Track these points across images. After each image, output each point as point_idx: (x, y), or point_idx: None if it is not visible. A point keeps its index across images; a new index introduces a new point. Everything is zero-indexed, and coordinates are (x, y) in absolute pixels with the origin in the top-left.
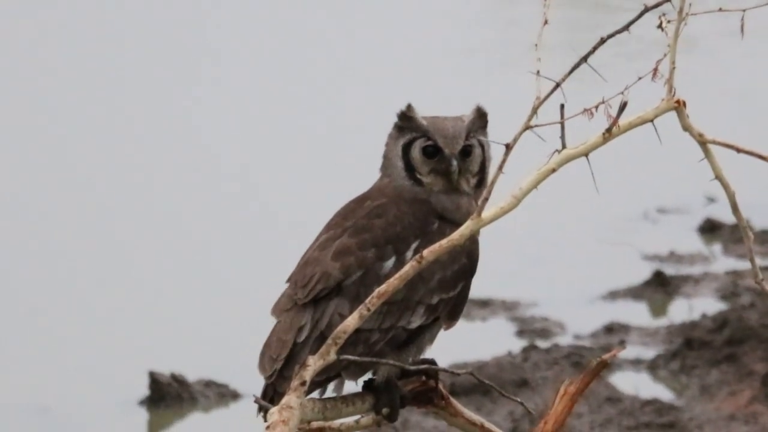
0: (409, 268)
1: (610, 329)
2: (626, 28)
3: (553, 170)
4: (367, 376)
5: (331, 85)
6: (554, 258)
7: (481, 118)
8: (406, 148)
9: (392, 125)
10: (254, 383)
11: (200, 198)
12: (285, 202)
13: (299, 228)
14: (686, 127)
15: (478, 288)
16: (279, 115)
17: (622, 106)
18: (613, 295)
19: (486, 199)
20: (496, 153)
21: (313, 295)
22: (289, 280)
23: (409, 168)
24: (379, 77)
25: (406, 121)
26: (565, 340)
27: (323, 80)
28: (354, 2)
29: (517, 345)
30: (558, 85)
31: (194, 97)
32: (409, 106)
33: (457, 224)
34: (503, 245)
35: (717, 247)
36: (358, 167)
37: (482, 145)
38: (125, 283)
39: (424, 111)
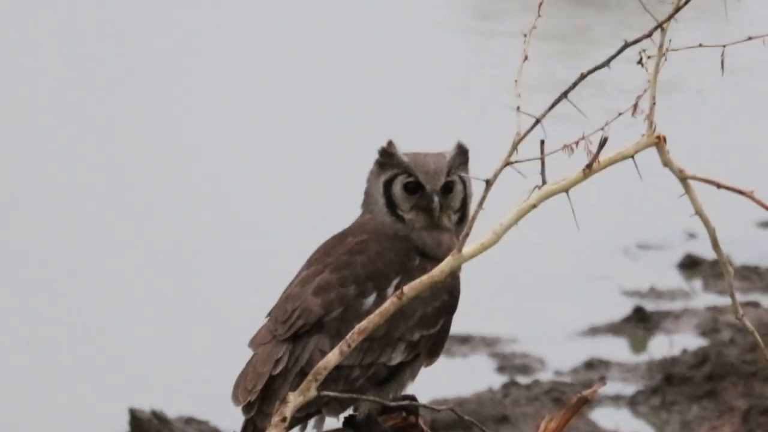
0: (389, 304)
1: (590, 365)
2: (607, 63)
3: (534, 206)
4: (348, 412)
5: (317, 105)
6: (534, 293)
7: (462, 154)
8: (388, 185)
9: (373, 162)
10: (235, 420)
11: (184, 225)
12: (272, 229)
13: (287, 261)
14: (666, 163)
15: (458, 324)
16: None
17: (602, 142)
18: (594, 331)
19: (467, 235)
20: (477, 189)
21: (294, 330)
22: (269, 315)
23: (391, 204)
24: (359, 111)
25: (387, 157)
26: (545, 376)
27: (311, 98)
28: (332, 31)
29: (497, 381)
30: (538, 121)
31: (187, 100)
32: (390, 143)
33: (439, 260)
34: (484, 281)
35: (697, 283)
36: (346, 191)
37: (464, 182)
38: (104, 319)
39: (405, 147)
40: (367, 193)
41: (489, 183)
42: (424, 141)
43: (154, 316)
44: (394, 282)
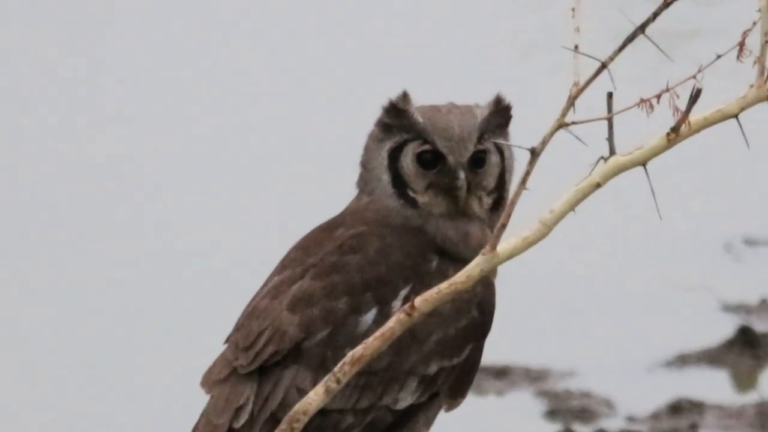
0: (395, 323)
1: (677, 408)
2: None
3: (598, 185)
4: None
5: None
6: (599, 309)
7: (500, 112)
8: (395, 155)
9: (375, 122)
10: None
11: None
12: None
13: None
14: None
15: (492, 351)
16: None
17: (694, 96)
18: (682, 361)
19: (504, 226)
20: (519, 162)
21: (261, 360)
22: (228, 340)
23: (399, 182)
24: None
25: (395, 116)
26: (614, 423)
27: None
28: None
29: (547, 430)
30: (604, 66)
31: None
32: (403, 96)
33: (465, 261)
34: (528, 292)
35: None
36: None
37: (501, 151)
38: (45, 371)
39: (420, 100)
40: (365, 167)
41: (536, 153)
42: (448, 93)
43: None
44: (403, 292)
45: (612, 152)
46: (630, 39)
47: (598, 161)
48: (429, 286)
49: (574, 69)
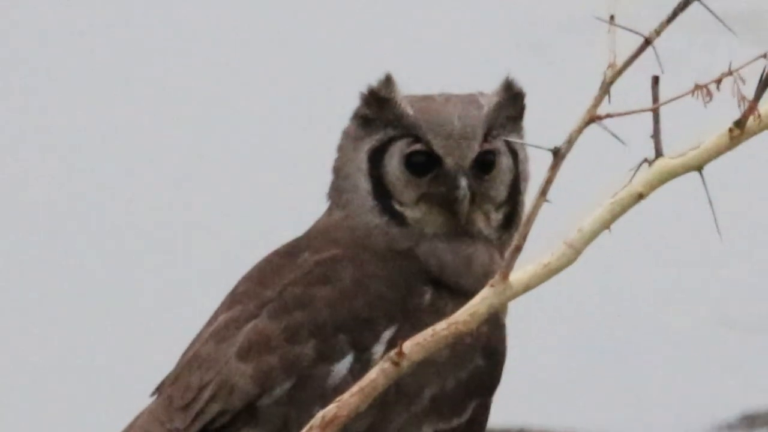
0: (378, 374)
1: None
2: None
3: (640, 196)
4: None
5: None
6: (638, 356)
7: (512, 101)
8: (377, 157)
9: (352, 115)
10: None
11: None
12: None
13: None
14: None
15: (502, 411)
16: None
17: (766, 80)
18: (749, 424)
19: (518, 250)
20: (538, 165)
21: (203, 422)
22: (158, 391)
23: (382, 192)
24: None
25: (376, 107)
26: None
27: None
28: None
29: None
30: (648, 42)
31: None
32: (386, 81)
33: (466, 294)
34: (548, 333)
35: None
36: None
37: (514, 152)
38: None
39: (409, 88)
40: (338, 173)
41: (560, 154)
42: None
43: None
44: (386, 334)
45: (658, 153)
46: (683, 6)
47: (640, 165)
48: (420, 327)
49: (609, 46)
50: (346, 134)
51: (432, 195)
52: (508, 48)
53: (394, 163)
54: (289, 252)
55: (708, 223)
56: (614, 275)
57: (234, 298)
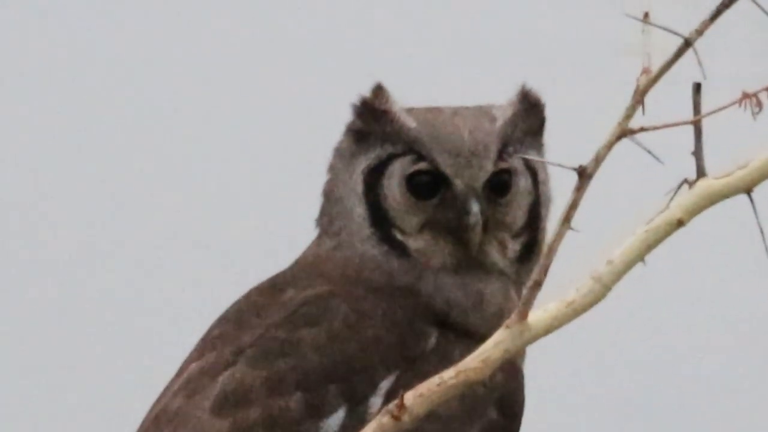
0: (376, 430)
1: None
2: None
3: (680, 223)
4: None
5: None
6: (682, 408)
7: (529, 112)
8: (374, 178)
9: (344, 130)
10: None
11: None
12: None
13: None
14: None
15: None
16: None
17: None
18: None
19: (538, 285)
20: (561, 187)
21: None
22: None
23: (380, 219)
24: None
25: (371, 119)
26: None
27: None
28: None
29: None
30: (689, 44)
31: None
32: (378, 89)
33: (478, 337)
34: (573, 383)
35: None
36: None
37: (533, 172)
38: None
39: (411, 99)
40: (329, 197)
41: (586, 174)
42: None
43: None
44: (385, 384)
45: (701, 173)
46: (728, 3)
47: (679, 186)
48: (424, 375)
49: (643, 48)
50: (338, 152)
51: (438, 221)
52: (528, 57)
53: (393, 185)
54: (272, 288)
55: (759, 253)
56: (648, 314)
57: (207, 344)
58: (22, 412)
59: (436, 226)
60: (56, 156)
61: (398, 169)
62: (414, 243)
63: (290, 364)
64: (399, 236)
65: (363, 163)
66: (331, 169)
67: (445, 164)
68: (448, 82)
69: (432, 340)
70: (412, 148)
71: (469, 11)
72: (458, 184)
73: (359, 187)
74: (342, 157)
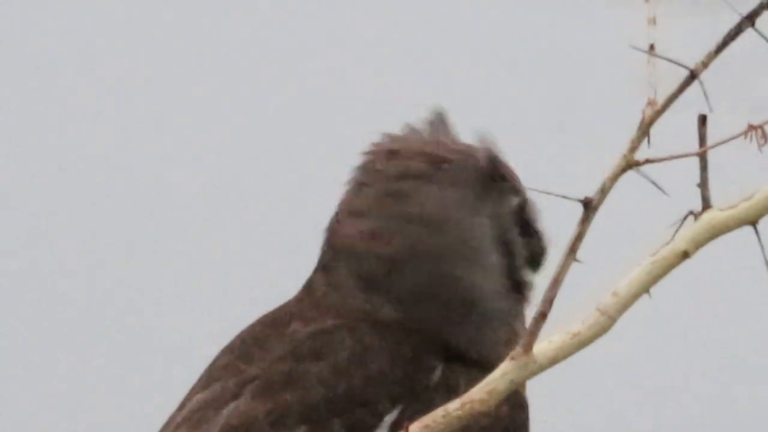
0: None
1: None
2: None
3: (686, 255)
4: None
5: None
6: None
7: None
8: (504, 225)
9: (455, 181)
10: None
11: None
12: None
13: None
14: None
15: None
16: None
17: None
18: None
19: (543, 317)
20: (566, 218)
21: None
22: None
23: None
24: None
25: (495, 170)
26: None
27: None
28: None
29: None
30: (694, 76)
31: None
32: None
33: (484, 367)
34: (582, 413)
35: None
36: None
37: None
38: None
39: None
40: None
41: (591, 205)
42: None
43: None
44: (389, 418)
45: (706, 205)
46: (733, 36)
47: (685, 218)
48: (430, 408)
49: (648, 80)
50: (456, 202)
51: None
52: (534, 84)
53: (513, 228)
54: (276, 321)
55: (763, 285)
56: (654, 346)
57: (212, 375)
58: (21, 412)
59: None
60: (57, 159)
61: (510, 210)
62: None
63: (294, 398)
64: (522, 278)
65: (489, 208)
66: (466, 223)
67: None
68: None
69: (437, 373)
70: (515, 189)
71: (475, 25)
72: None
73: (494, 235)
74: (463, 206)
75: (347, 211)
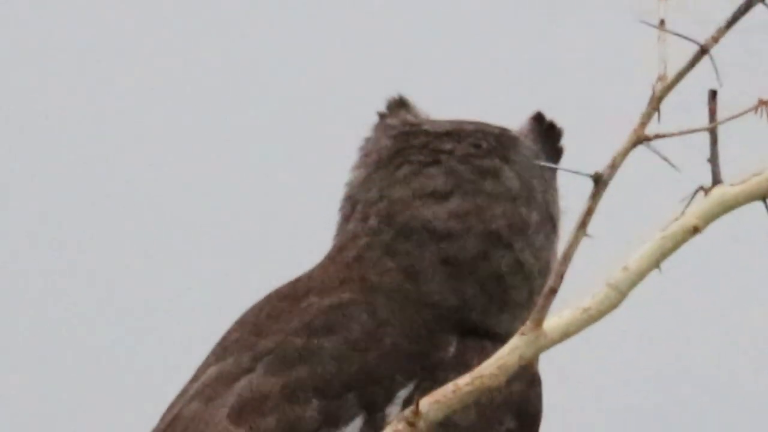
0: None
1: None
2: None
3: (696, 230)
4: None
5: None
6: (710, 423)
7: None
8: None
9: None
10: None
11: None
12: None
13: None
14: None
15: None
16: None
17: None
18: None
19: (553, 292)
20: (577, 193)
21: None
22: None
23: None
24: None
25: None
26: None
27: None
28: None
29: None
30: (705, 51)
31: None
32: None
33: (500, 339)
34: (595, 388)
35: None
36: None
37: None
38: None
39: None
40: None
41: (602, 181)
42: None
43: None
44: (402, 393)
45: (716, 180)
46: (743, 10)
47: (695, 193)
48: (443, 384)
49: (659, 55)
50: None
51: None
52: (545, 64)
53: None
54: (292, 294)
55: None
56: (667, 321)
57: (225, 348)
58: (22, 413)
59: None
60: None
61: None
62: None
63: (308, 373)
64: None
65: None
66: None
67: None
68: (460, 96)
69: (451, 349)
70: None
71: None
72: None
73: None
74: (547, 184)
75: (420, 192)
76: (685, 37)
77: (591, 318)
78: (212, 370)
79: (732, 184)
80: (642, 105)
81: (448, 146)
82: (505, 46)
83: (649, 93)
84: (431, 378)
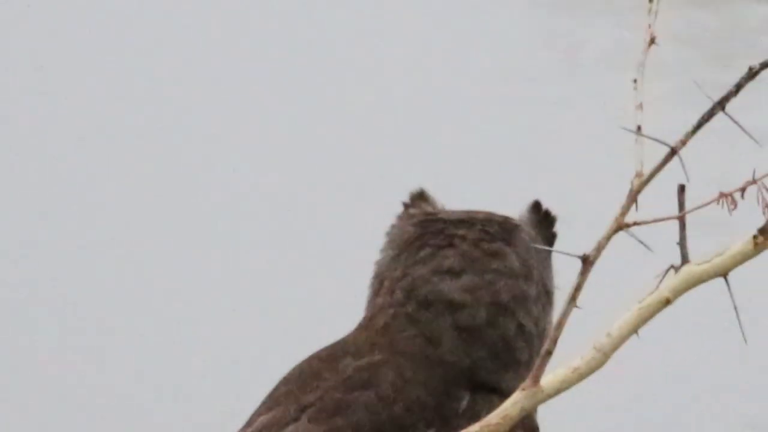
0: None
1: None
2: None
3: (667, 301)
4: None
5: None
6: None
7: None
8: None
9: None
10: None
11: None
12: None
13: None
14: None
15: None
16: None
17: None
18: None
19: (549, 354)
20: (567, 271)
21: None
22: None
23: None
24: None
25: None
26: None
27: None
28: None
29: None
30: (674, 152)
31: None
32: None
33: (503, 394)
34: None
35: None
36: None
37: None
38: None
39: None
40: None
41: (589, 261)
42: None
43: None
44: None
45: (684, 260)
46: (706, 118)
47: (667, 271)
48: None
49: (636, 155)
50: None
51: None
52: (535, 159)
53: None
54: (331, 355)
55: (735, 329)
56: (642, 380)
57: (274, 400)
58: (22, 413)
59: None
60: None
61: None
62: None
63: (345, 422)
64: None
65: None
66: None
67: None
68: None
69: (464, 402)
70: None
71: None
72: None
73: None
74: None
75: (437, 270)
76: (659, 140)
77: (581, 376)
78: (263, 419)
79: (698, 263)
80: (622, 197)
81: (461, 232)
82: (512, 146)
83: (628, 187)
84: (447, 426)
